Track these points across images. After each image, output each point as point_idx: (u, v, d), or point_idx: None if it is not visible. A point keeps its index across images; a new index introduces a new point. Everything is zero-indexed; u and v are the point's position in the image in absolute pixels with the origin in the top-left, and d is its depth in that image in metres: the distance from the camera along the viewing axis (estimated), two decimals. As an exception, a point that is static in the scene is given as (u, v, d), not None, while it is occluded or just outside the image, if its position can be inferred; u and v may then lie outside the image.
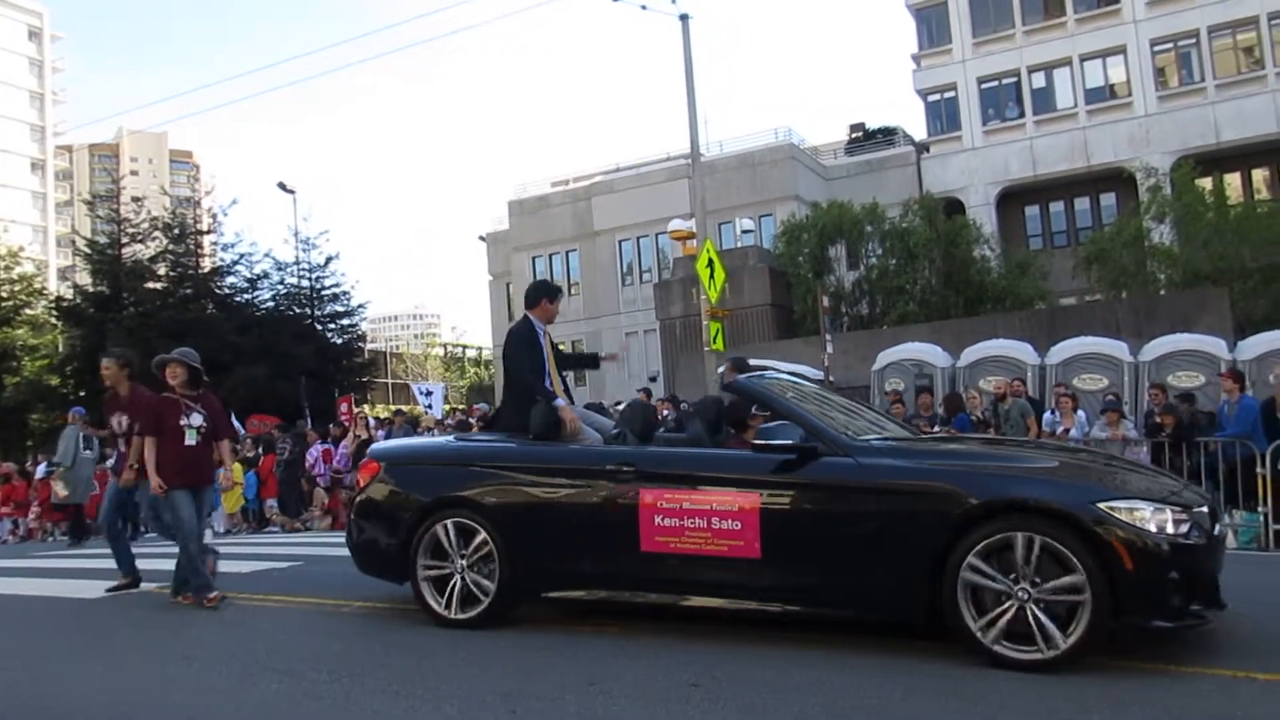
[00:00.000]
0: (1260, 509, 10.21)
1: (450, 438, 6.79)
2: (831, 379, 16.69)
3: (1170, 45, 31.92)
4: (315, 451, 16.18)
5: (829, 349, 17.04)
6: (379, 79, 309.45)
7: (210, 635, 5.88)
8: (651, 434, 6.02)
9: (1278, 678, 4.30)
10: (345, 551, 6.45)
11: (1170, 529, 4.41)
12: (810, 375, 17.69)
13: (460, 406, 25.88)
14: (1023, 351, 16.72)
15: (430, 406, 21.17)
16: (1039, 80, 33.67)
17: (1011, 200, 34.06)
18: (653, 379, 28.48)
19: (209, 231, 33.51)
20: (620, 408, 8.46)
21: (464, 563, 5.61)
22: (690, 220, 20.55)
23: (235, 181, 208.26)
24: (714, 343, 16.45)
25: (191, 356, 7.01)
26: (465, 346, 69.56)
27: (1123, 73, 32.47)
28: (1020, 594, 4.41)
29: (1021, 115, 33.73)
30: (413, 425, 17.34)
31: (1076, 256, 27.36)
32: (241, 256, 31.61)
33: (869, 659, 4.71)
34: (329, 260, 32.36)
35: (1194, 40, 31.51)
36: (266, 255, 33.18)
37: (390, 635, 5.67)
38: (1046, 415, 12.78)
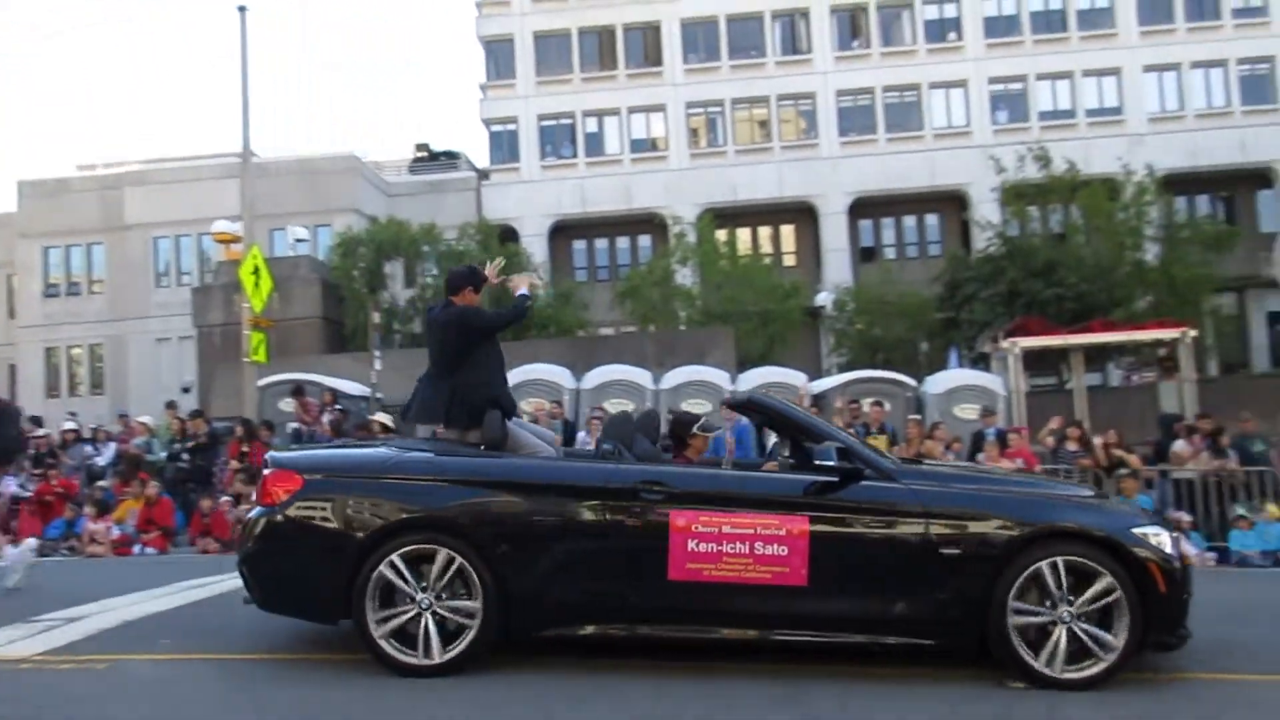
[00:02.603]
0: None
1: (389, 448, 5.63)
2: (379, 396, 16.59)
3: (701, 110, 36.11)
4: None
5: (377, 365, 16.94)
6: None
7: None
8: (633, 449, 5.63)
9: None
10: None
11: (1171, 549, 4.75)
12: (356, 392, 17.48)
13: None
14: (562, 376, 17.86)
15: (-105, 413, 17.66)
16: (592, 125, 36.34)
17: (563, 233, 36.27)
18: (185, 390, 26.34)
19: None
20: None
21: (431, 597, 4.75)
22: (238, 223, 19.33)
23: None
24: (255, 354, 15.70)
25: None
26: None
27: (663, 128, 36.10)
28: (1064, 616, 4.57)
29: (575, 155, 36.17)
30: None
31: (615, 291, 29.82)
32: None
33: (575, 678, 4.85)
34: None
35: (720, 109, 35.93)
36: None
37: (47, 680, 4.86)
38: (580, 435, 13.79)
